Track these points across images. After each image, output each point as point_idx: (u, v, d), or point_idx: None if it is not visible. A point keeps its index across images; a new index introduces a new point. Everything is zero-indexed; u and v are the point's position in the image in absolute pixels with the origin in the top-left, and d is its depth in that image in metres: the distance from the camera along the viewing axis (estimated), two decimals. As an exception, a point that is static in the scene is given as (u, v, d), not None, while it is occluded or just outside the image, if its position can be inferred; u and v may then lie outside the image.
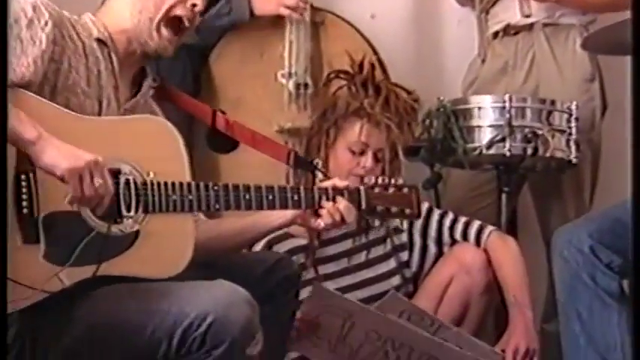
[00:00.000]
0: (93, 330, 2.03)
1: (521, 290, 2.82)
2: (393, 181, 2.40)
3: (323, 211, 2.30)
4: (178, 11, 2.25)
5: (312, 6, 3.28)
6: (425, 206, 2.97)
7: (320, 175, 2.62)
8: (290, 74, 3.25)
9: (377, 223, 2.94)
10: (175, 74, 3.11)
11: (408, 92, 3.04)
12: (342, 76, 3.06)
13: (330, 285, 2.86)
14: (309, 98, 3.24)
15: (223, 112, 2.69)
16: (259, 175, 2.70)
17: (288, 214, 2.33)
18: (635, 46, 2.01)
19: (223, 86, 3.28)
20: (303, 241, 2.88)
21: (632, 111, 2.24)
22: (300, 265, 2.78)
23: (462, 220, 2.96)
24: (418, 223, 2.96)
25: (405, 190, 2.40)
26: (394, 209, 2.39)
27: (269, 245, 2.82)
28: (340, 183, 2.35)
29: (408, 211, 2.40)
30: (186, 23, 2.27)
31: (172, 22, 2.26)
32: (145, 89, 2.30)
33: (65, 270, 1.99)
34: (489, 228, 2.94)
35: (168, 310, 2.00)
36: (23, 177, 1.97)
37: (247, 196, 2.21)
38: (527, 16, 3.31)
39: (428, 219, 2.97)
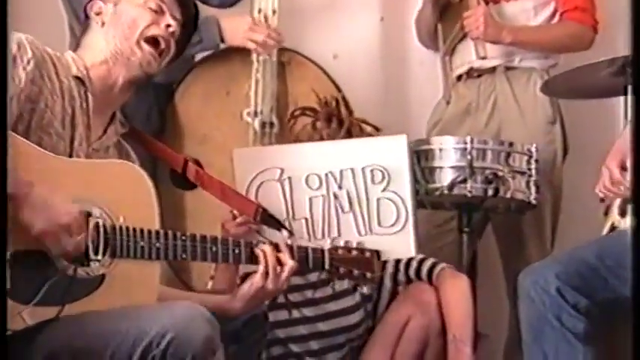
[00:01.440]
0: (53, 357, 2.01)
1: (463, 328, 2.83)
2: (355, 244, 2.45)
3: (260, 253, 2.30)
4: (153, 31, 2.28)
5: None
6: None
7: (286, 233, 2.62)
8: (256, 113, 3.27)
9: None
10: (140, 111, 3.12)
11: (376, 128, 3.08)
12: (307, 112, 3.08)
13: (296, 314, 2.90)
14: (274, 137, 3.26)
15: (198, 163, 2.72)
16: (224, 212, 2.73)
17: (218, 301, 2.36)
18: (635, 46, 2.03)
19: (189, 123, 3.30)
20: None
21: (632, 110, 2.26)
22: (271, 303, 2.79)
23: (418, 257, 2.97)
24: None
25: (367, 253, 2.45)
26: (356, 272, 2.42)
27: None
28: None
29: (369, 275, 2.43)
30: (162, 44, 2.29)
31: (150, 41, 2.28)
32: (110, 133, 2.31)
33: (29, 309, 1.98)
34: (441, 265, 2.96)
35: (127, 331, 1.98)
36: None
37: (214, 249, 2.23)
38: (483, 58, 3.36)
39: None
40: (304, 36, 3.62)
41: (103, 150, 2.28)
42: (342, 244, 2.48)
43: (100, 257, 2.07)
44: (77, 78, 2.23)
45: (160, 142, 3.07)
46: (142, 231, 2.12)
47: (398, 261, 2.97)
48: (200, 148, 3.27)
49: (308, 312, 2.92)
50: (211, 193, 2.64)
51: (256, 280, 2.32)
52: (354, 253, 2.44)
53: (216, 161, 3.21)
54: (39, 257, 2.01)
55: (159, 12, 2.31)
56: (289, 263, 2.33)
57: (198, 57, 3.33)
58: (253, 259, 2.30)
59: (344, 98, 3.20)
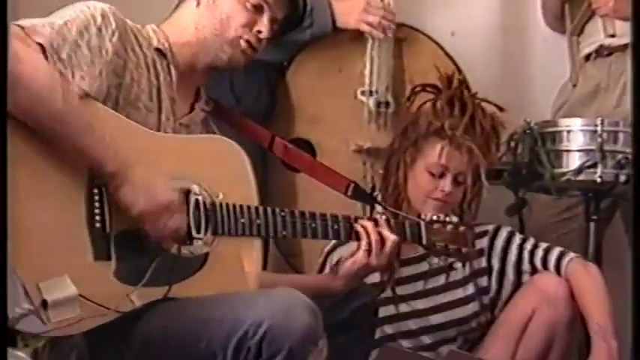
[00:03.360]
0: (149, 345, 1.97)
1: (605, 318, 2.67)
2: (448, 218, 2.38)
3: (361, 229, 2.24)
4: (242, 34, 2.20)
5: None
6: (506, 230, 2.87)
7: (379, 208, 2.51)
8: (371, 92, 3.15)
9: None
10: (250, 90, 3.08)
11: (500, 108, 2.94)
12: (429, 89, 2.95)
13: (405, 307, 2.78)
14: (389, 117, 3.14)
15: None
16: (334, 194, 2.59)
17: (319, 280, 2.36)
18: (635, 46, 1.88)
19: (300, 102, 3.19)
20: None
21: (633, 111, 2.11)
22: (377, 284, 2.69)
23: (543, 246, 2.83)
24: (498, 247, 2.84)
25: (462, 228, 2.39)
26: (452, 247, 2.37)
27: None
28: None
29: (464, 250, 2.38)
30: (249, 47, 2.22)
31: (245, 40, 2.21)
32: (198, 109, 2.24)
33: (137, 290, 1.93)
34: (570, 255, 2.80)
35: (223, 319, 1.91)
36: (96, 191, 1.92)
37: (313, 225, 2.18)
38: (612, 36, 3.19)
39: (508, 243, 2.84)
40: (421, 12, 3.49)
41: (193, 125, 2.22)
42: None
43: (202, 235, 2.02)
44: (158, 50, 2.16)
45: (271, 122, 3.03)
46: (241, 207, 2.09)
47: (521, 249, 2.82)
48: (311, 127, 3.16)
49: (418, 304, 2.80)
50: (300, 168, 2.57)
51: (360, 256, 2.26)
52: (449, 227, 2.38)
53: (327, 142, 3.13)
54: (143, 237, 1.96)
55: (257, 10, 2.21)
56: (391, 237, 2.26)
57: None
58: (352, 235, 2.24)
59: (465, 80, 3.06)
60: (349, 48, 3.17)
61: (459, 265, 2.82)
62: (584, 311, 2.70)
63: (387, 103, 3.14)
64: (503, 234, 2.85)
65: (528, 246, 2.83)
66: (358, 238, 2.25)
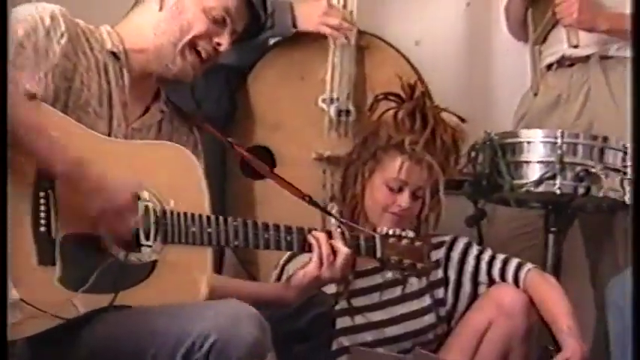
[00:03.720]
0: (94, 356, 1.92)
1: (572, 321, 2.65)
2: (404, 233, 2.35)
3: (313, 241, 2.21)
4: (201, 43, 2.14)
5: (357, 29, 3.15)
6: (462, 241, 2.85)
7: (333, 221, 2.48)
8: (332, 99, 3.13)
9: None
10: (211, 94, 3.04)
11: (462, 119, 2.93)
12: (391, 98, 2.93)
13: (361, 319, 2.76)
14: (350, 126, 3.12)
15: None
16: (293, 202, 2.56)
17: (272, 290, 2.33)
18: (635, 47, 1.87)
19: (261, 109, 3.17)
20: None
21: (632, 111, 2.08)
22: (333, 295, 2.66)
23: (501, 257, 2.82)
24: (454, 259, 2.83)
25: (418, 243, 2.36)
26: (406, 262, 2.33)
27: None
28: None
29: (419, 265, 2.35)
30: (204, 58, 2.16)
31: (196, 50, 2.16)
32: (154, 111, 2.19)
33: (80, 296, 1.88)
34: (528, 265, 2.79)
35: (169, 331, 1.87)
36: (42, 194, 1.87)
37: (266, 236, 2.14)
38: (575, 47, 3.16)
39: (465, 255, 2.83)
40: (385, 20, 3.45)
41: (145, 129, 2.16)
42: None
43: (151, 242, 1.98)
44: (112, 53, 2.11)
45: (231, 127, 3.00)
46: (192, 215, 2.04)
47: (478, 260, 2.80)
48: (271, 134, 3.14)
49: (374, 316, 2.77)
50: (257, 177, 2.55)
51: (310, 269, 2.23)
52: (405, 242, 2.34)
53: (287, 149, 3.11)
54: (89, 241, 1.92)
55: (219, 24, 2.15)
56: (343, 250, 2.23)
57: (272, 39, 3.19)
58: (305, 247, 2.21)
59: (428, 91, 3.05)
60: (311, 54, 3.15)
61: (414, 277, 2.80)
62: (548, 317, 2.69)
63: (348, 112, 3.12)
64: (459, 245, 2.84)
65: (486, 257, 2.81)
66: (311, 250, 2.21)
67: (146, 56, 2.13)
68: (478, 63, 3.65)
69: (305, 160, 3.09)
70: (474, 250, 2.84)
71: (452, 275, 2.82)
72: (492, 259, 2.80)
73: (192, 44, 2.13)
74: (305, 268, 2.24)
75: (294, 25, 3.07)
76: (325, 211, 2.48)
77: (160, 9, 2.14)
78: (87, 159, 1.88)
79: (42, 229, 1.86)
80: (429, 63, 3.32)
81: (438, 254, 2.82)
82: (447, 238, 2.85)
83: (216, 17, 2.14)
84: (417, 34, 3.52)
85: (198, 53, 2.14)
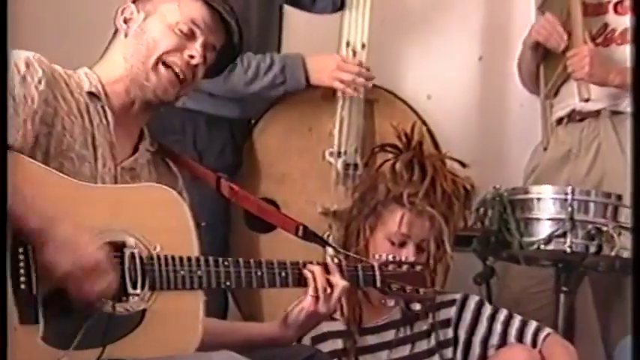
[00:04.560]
0: None
1: None
2: (404, 259, 2.31)
3: (309, 275, 2.15)
4: (171, 59, 2.10)
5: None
6: (474, 300, 2.75)
7: (330, 251, 2.43)
8: (339, 153, 3.09)
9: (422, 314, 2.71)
10: (213, 146, 3.02)
11: (462, 164, 2.85)
12: (388, 149, 2.85)
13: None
14: (357, 180, 3.05)
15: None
16: (301, 254, 2.51)
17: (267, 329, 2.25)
18: (636, 49, 1.82)
19: (267, 161, 3.14)
20: (341, 326, 2.67)
21: (632, 111, 2.02)
22: (339, 351, 2.60)
23: (518, 318, 2.71)
24: (467, 319, 2.72)
25: (418, 268, 2.31)
26: (408, 288, 2.28)
27: None
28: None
29: (422, 291, 2.29)
30: (180, 75, 2.11)
31: (169, 66, 2.11)
32: (143, 150, 2.16)
33: (68, 354, 1.82)
34: (547, 330, 2.69)
35: None
36: (21, 250, 1.81)
37: (259, 273, 2.08)
38: (586, 101, 3.11)
39: (478, 314, 2.73)
40: (395, 73, 3.47)
41: (138, 168, 2.13)
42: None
43: (138, 291, 1.92)
44: (91, 94, 2.07)
45: (236, 180, 2.96)
46: (181, 259, 1.98)
47: (492, 321, 2.70)
48: (278, 187, 3.10)
49: None
50: (248, 208, 2.48)
51: (307, 304, 2.17)
52: (404, 267, 2.29)
53: (294, 202, 3.07)
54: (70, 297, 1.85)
55: (189, 36, 2.11)
56: (340, 284, 2.17)
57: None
58: (302, 282, 2.15)
59: (430, 132, 3.00)
60: (319, 107, 3.12)
61: (424, 336, 2.72)
62: None
63: (356, 165, 3.08)
64: (471, 305, 2.75)
65: (501, 317, 2.71)
66: (299, 285, 2.16)
67: (123, 84, 2.09)
68: (490, 117, 3.63)
69: (311, 213, 3.03)
70: (488, 309, 2.74)
71: (462, 335, 2.73)
72: (509, 318, 2.71)
73: (162, 60, 2.09)
74: (301, 303, 2.19)
75: (307, 80, 3.04)
76: (322, 240, 2.42)
77: (126, 35, 2.12)
78: (58, 218, 1.82)
79: (22, 286, 1.80)
80: (441, 117, 3.30)
81: (449, 313, 2.73)
82: (458, 296, 2.76)
83: (183, 31, 2.11)
84: (428, 88, 3.52)
85: (172, 69, 2.10)
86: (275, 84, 3.01)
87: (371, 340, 2.69)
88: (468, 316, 2.73)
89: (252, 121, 3.15)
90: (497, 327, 2.70)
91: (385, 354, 2.70)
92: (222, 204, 2.85)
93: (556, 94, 3.26)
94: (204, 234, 2.73)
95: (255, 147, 3.13)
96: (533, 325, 2.69)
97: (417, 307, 2.41)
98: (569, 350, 2.65)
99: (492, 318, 2.71)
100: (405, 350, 2.71)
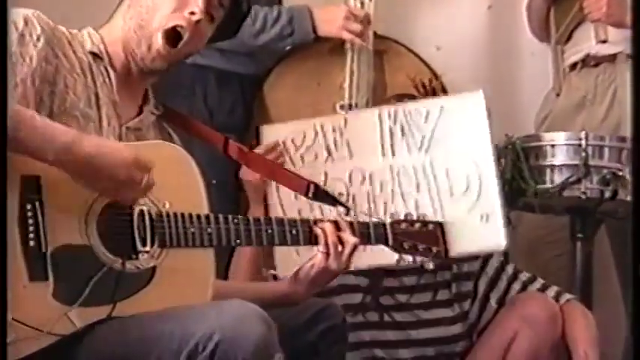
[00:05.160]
0: None
1: (593, 349, 2.57)
2: (417, 216, 2.28)
3: (320, 232, 2.14)
4: (172, 22, 2.04)
5: (375, 34, 3.09)
6: (498, 258, 2.76)
7: (342, 209, 2.40)
8: (350, 106, 3.05)
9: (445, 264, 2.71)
10: (224, 103, 3.01)
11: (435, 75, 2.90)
12: (405, 100, 2.82)
13: (385, 317, 2.69)
14: (369, 131, 3.04)
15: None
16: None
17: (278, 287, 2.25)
18: (635, 48, 1.78)
19: (278, 117, 3.08)
20: (358, 279, 2.68)
21: (632, 113, 1.99)
22: (356, 305, 2.62)
23: (539, 281, 2.72)
24: (489, 273, 2.74)
25: (431, 226, 2.28)
26: (421, 247, 2.25)
27: None
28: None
29: (434, 249, 2.26)
30: (185, 36, 2.05)
31: (169, 33, 2.05)
32: (145, 114, 2.13)
33: (77, 310, 1.81)
34: (568, 295, 2.70)
35: (172, 334, 1.80)
36: (29, 207, 1.80)
37: (269, 230, 2.06)
38: (603, 42, 3.08)
39: (500, 272, 2.74)
40: (404, 25, 3.41)
41: (144, 129, 2.11)
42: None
43: (148, 248, 1.91)
44: (93, 53, 2.04)
45: (246, 136, 2.94)
46: (190, 216, 1.97)
47: (513, 280, 2.72)
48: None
49: (399, 317, 2.69)
50: (258, 171, 2.49)
51: (318, 261, 2.16)
52: (417, 226, 2.27)
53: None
54: (83, 252, 1.84)
55: None
56: (351, 241, 2.16)
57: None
58: (312, 239, 2.14)
59: (443, 87, 2.98)
60: (328, 61, 3.08)
61: (445, 285, 2.73)
62: (570, 340, 2.60)
63: (368, 117, 3.05)
64: (494, 262, 2.76)
65: (523, 277, 2.73)
66: (318, 242, 2.15)
67: (122, 46, 2.06)
68: (500, 66, 3.59)
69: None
70: (510, 269, 2.75)
71: (481, 288, 2.74)
72: (531, 280, 2.72)
73: (164, 28, 2.04)
74: (312, 260, 2.18)
75: (315, 31, 3.01)
76: (334, 199, 2.40)
77: None
78: (77, 139, 1.80)
79: (31, 243, 1.79)
80: (451, 68, 3.24)
81: (473, 266, 2.75)
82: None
83: None
84: (437, 39, 3.48)
85: (170, 38, 2.04)
86: (283, 35, 2.99)
87: (391, 282, 2.71)
88: (490, 271, 2.74)
89: (262, 77, 3.10)
90: (516, 287, 2.71)
91: (405, 297, 2.71)
92: (232, 162, 2.83)
93: (568, 39, 3.22)
94: (215, 192, 2.76)
95: (266, 102, 3.09)
96: (554, 289, 2.69)
97: (431, 265, 2.41)
98: (588, 317, 2.66)
99: (514, 277, 2.73)
100: (427, 297, 2.72)
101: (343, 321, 2.23)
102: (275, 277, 2.55)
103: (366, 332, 2.67)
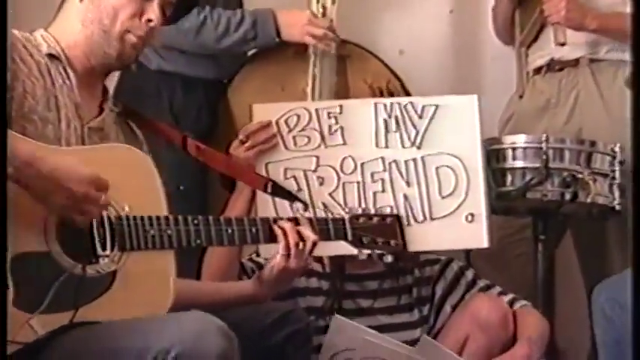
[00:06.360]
0: None
1: (537, 338, 2.57)
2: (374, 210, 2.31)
3: (279, 231, 2.15)
4: (133, 25, 2.09)
5: (338, 38, 3.08)
6: (458, 264, 2.79)
7: (300, 205, 2.43)
8: (312, 110, 3.06)
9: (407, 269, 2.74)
10: (189, 109, 3.02)
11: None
12: None
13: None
14: (333, 136, 3.05)
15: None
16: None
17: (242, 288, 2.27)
18: (635, 47, 1.82)
19: (243, 121, 3.07)
20: (320, 283, 2.69)
21: (632, 113, 2.09)
22: (320, 309, 2.64)
23: (497, 288, 2.74)
24: (448, 277, 2.76)
25: (389, 220, 2.30)
26: (380, 240, 2.28)
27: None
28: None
29: (393, 242, 2.29)
30: (143, 36, 2.10)
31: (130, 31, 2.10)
32: (106, 112, 2.14)
33: (38, 317, 1.81)
34: (524, 302, 2.71)
35: (131, 347, 1.79)
36: None
37: (229, 230, 2.08)
38: (562, 45, 3.08)
39: (459, 277, 2.77)
40: (367, 29, 3.44)
41: (106, 127, 2.12)
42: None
43: (108, 252, 1.91)
44: (51, 55, 2.05)
45: (212, 141, 2.94)
46: (150, 218, 1.98)
47: (470, 286, 2.74)
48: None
49: (361, 322, 2.65)
50: (215, 167, 2.49)
51: (278, 261, 2.18)
52: (375, 220, 2.29)
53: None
54: (43, 258, 1.84)
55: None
56: (311, 237, 2.18)
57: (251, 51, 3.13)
58: (273, 238, 2.16)
59: (404, 87, 3.00)
60: (291, 65, 3.08)
61: (406, 290, 2.74)
62: (520, 332, 2.60)
63: (330, 122, 3.05)
64: (454, 267, 2.78)
65: (480, 284, 2.75)
66: (271, 241, 2.17)
67: (81, 50, 2.08)
68: (463, 70, 3.60)
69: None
70: (469, 275, 2.77)
71: (438, 292, 2.76)
72: (488, 287, 2.73)
73: (126, 29, 2.08)
74: (273, 260, 2.19)
75: (278, 35, 3.02)
76: (291, 195, 2.43)
77: (81, 0, 2.09)
78: (36, 156, 1.80)
79: None
80: (414, 72, 3.26)
81: (432, 271, 2.77)
82: (443, 258, 2.79)
83: None
84: (400, 43, 3.49)
85: (136, 34, 2.09)
86: (246, 39, 2.99)
87: (351, 287, 2.71)
88: (449, 275, 2.76)
89: (226, 82, 3.11)
90: (474, 292, 2.72)
91: (368, 302, 2.72)
92: (198, 167, 2.84)
93: (533, 42, 3.24)
94: (182, 198, 2.77)
95: (230, 108, 3.09)
96: (510, 295, 2.70)
97: (389, 258, 2.42)
98: (543, 323, 2.67)
99: (473, 283, 2.74)
100: (391, 301, 2.73)
101: (308, 324, 2.24)
102: (257, 264, 2.55)
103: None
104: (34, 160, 1.79)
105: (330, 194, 2.59)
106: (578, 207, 2.87)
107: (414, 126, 2.63)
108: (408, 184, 2.61)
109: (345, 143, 2.64)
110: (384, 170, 2.62)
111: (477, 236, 2.58)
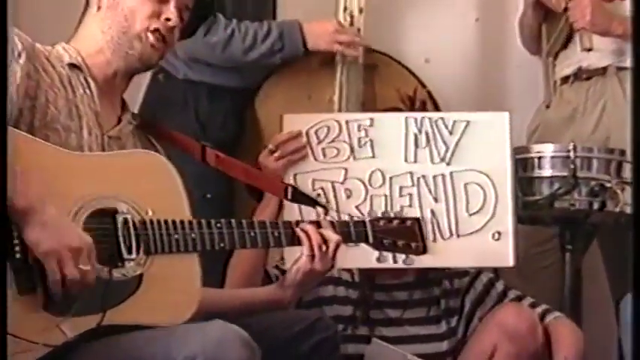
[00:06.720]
0: None
1: (574, 355, 2.55)
2: (394, 214, 2.32)
3: (302, 234, 2.16)
4: (153, 24, 2.12)
5: (365, 47, 3.10)
6: (488, 275, 2.76)
7: (321, 210, 2.42)
8: (339, 119, 3.07)
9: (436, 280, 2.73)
10: (215, 117, 3.03)
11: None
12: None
13: (376, 333, 2.68)
14: (360, 144, 3.05)
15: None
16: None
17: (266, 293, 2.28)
18: (635, 47, 1.81)
19: (269, 130, 3.09)
20: (353, 293, 2.68)
21: (632, 114, 2.07)
22: (348, 318, 2.63)
23: (528, 299, 2.70)
24: (477, 289, 2.74)
25: (409, 222, 2.32)
26: (400, 243, 2.29)
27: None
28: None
29: (413, 244, 2.31)
30: (164, 35, 2.13)
31: (155, 30, 2.13)
32: (124, 123, 2.17)
33: (67, 321, 1.83)
34: (557, 313, 2.68)
35: (155, 356, 1.82)
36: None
37: (252, 233, 2.10)
38: (588, 50, 3.08)
39: (489, 289, 2.73)
40: (394, 37, 3.44)
41: (124, 137, 2.14)
42: None
43: (133, 256, 1.93)
44: (72, 65, 2.09)
45: (238, 150, 2.95)
46: (174, 222, 2.00)
47: (501, 297, 2.71)
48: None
49: (388, 332, 2.68)
50: (234, 175, 2.49)
51: (303, 263, 2.19)
52: (395, 222, 2.31)
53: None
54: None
55: (162, 0, 2.13)
56: (334, 238, 2.19)
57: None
58: (295, 241, 2.17)
59: (431, 95, 2.99)
60: (318, 74, 3.09)
61: (435, 302, 2.73)
62: (554, 352, 2.58)
63: (357, 131, 3.06)
64: (484, 279, 2.75)
65: (511, 295, 2.72)
66: (301, 243, 2.17)
67: (104, 56, 2.11)
68: (490, 78, 3.60)
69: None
70: (500, 286, 2.74)
71: (467, 305, 2.73)
72: (519, 299, 2.70)
73: (148, 28, 2.11)
74: (297, 263, 2.20)
75: (305, 46, 3.03)
76: (312, 200, 2.44)
77: (98, 9, 2.13)
78: (43, 199, 1.81)
79: (17, 255, 1.80)
80: (440, 80, 3.27)
81: (461, 282, 2.75)
82: (472, 270, 2.76)
83: None
84: (426, 51, 3.49)
85: (155, 33, 2.12)
86: (273, 51, 3.00)
87: (380, 296, 2.71)
88: (478, 287, 2.74)
89: (253, 91, 3.11)
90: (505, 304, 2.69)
91: (398, 313, 2.70)
92: (225, 176, 2.85)
93: (560, 51, 3.23)
94: (209, 206, 2.77)
95: (257, 117, 3.10)
96: (542, 306, 2.67)
97: (407, 261, 2.39)
98: (577, 334, 2.64)
99: (503, 295, 2.72)
100: (421, 312, 2.72)
101: (335, 333, 2.24)
102: (282, 271, 2.54)
103: (356, 346, 2.65)
104: (31, 211, 1.80)
105: (357, 207, 2.60)
106: (606, 216, 2.85)
107: (444, 142, 2.64)
108: (435, 199, 2.61)
109: (374, 156, 2.65)
110: (413, 185, 2.62)
111: (503, 255, 2.58)
